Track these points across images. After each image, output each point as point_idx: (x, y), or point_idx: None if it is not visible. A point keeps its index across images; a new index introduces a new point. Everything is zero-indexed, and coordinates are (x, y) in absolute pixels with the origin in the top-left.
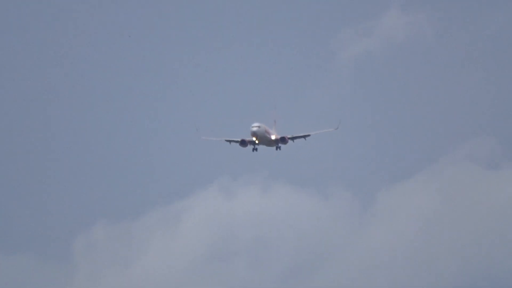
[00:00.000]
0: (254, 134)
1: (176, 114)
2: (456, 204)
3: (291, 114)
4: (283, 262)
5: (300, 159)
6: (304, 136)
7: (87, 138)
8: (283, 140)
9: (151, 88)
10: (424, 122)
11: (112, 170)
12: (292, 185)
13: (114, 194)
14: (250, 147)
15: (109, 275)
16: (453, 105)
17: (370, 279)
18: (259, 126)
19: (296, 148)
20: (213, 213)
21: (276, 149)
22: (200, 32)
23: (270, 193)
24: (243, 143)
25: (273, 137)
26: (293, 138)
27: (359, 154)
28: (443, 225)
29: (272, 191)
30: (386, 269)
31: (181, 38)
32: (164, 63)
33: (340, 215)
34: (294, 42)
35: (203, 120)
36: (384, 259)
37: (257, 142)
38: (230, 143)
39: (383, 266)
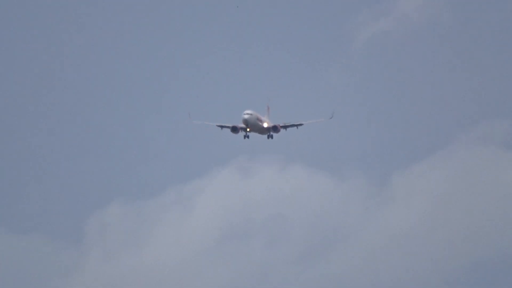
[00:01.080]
0: (245, 121)
1: (183, 97)
2: (471, 185)
3: (308, 98)
4: (298, 242)
5: (317, 141)
6: (297, 125)
7: (103, 118)
8: (275, 128)
9: (154, 75)
10: (440, 103)
11: (126, 151)
12: (308, 167)
13: (129, 174)
14: (241, 134)
15: (125, 255)
16: (469, 86)
17: (385, 259)
18: (251, 114)
19: (316, 129)
20: (230, 193)
21: (268, 137)
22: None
23: (286, 174)
24: (234, 129)
25: (265, 125)
26: (285, 127)
27: (375, 136)
28: (458, 207)
29: (288, 172)
30: (400, 250)
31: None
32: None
33: (356, 196)
34: (308, 25)
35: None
36: (399, 240)
37: (248, 129)
38: (221, 128)
39: (397, 247)
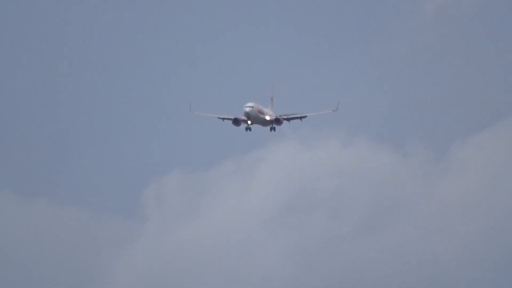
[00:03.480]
0: (247, 114)
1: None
2: None
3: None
4: (360, 215)
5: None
6: (301, 117)
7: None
8: (277, 121)
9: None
10: (502, 73)
11: (185, 121)
12: (369, 139)
13: (189, 144)
14: (243, 126)
15: (182, 226)
16: None
17: (445, 231)
18: (252, 107)
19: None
20: (292, 165)
21: (271, 129)
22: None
23: (347, 146)
24: (236, 121)
25: (267, 118)
26: (288, 119)
27: (436, 106)
28: None
29: (349, 144)
30: (460, 222)
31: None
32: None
33: (416, 168)
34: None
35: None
36: (458, 212)
37: (250, 122)
38: (223, 120)
39: (457, 219)
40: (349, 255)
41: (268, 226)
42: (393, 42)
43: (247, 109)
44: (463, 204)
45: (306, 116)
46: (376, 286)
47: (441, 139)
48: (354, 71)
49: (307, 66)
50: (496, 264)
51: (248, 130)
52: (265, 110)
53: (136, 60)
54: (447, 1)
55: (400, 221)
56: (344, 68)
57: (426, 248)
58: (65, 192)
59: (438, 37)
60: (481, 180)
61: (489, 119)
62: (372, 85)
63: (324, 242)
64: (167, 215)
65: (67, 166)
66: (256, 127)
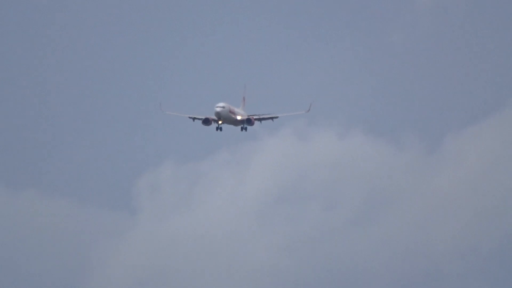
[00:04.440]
0: (217, 114)
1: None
2: None
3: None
4: (353, 206)
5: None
6: (272, 118)
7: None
8: (249, 121)
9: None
10: (497, 66)
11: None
12: (364, 131)
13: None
14: (214, 126)
15: (177, 217)
16: None
17: (438, 223)
18: (223, 107)
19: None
20: (287, 155)
21: (242, 129)
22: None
23: (342, 138)
24: (206, 121)
25: (238, 118)
26: (260, 119)
27: (431, 99)
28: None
29: (344, 135)
30: (454, 214)
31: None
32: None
33: (410, 159)
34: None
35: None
36: (452, 204)
37: (220, 122)
38: (193, 120)
39: (451, 210)
40: (342, 247)
41: (262, 218)
42: (387, 35)
43: (218, 109)
44: (457, 196)
45: (278, 117)
46: (370, 278)
47: (435, 131)
48: (347, 65)
49: (291, 62)
50: (491, 256)
51: (219, 130)
52: (236, 110)
53: (121, 58)
54: None
55: (393, 213)
56: (337, 62)
57: (420, 240)
58: (56, 184)
59: (432, 30)
60: (475, 173)
61: (483, 112)
62: (366, 78)
63: (317, 233)
64: (159, 206)
65: (57, 158)
66: (226, 127)
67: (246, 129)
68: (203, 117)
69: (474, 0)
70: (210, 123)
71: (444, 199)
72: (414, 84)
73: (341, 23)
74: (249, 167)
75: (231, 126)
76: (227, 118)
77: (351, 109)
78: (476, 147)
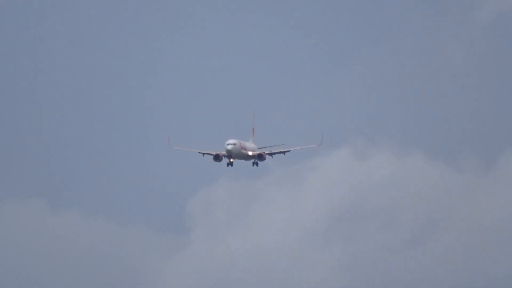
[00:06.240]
0: (229, 152)
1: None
2: None
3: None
4: (411, 227)
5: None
6: (284, 152)
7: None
8: (260, 157)
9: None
10: None
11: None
12: (421, 151)
13: None
14: (224, 161)
15: (232, 235)
16: None
17: (499, 244)
18: (234, 144)
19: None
20: (344, 175)
21: (253, 164)
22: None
23: (399, 159)
24: (217, 157)
25: (250, 153)
26: (271, 154)
27: (486, 115)
28: None
29: (399, 156)
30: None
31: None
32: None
33: (468, 179)
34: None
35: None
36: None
37: (231, 159)
38: (203, 155)
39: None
40: (400, 268)
41: (318, 238)
42: (446, 50)
43: (229, 147)
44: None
45: (289, 151)
46: None
47: (493, 150)
48: (403, 83)
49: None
50: None
51: (230, 166)
52: (247, 145)
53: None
54: (499, 9)
55: (451, 234)
56: (391, 80)
57: (479, 263)
58: (119, 209)
59: (492, 46)
60: None
61: None
62: (421, 96)
63: (375, 254)
64: (216, 223)
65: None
66: (237, 162)
67: (257, 164)
68: (214, 153)
69: None
70: (221, 159)
71: (504, 219)
72: (471, 102)
73: (386, 39)
74: (305, 186)
75: (242, 161)
76: (238, 154)
77: (408, 129)
78: None
